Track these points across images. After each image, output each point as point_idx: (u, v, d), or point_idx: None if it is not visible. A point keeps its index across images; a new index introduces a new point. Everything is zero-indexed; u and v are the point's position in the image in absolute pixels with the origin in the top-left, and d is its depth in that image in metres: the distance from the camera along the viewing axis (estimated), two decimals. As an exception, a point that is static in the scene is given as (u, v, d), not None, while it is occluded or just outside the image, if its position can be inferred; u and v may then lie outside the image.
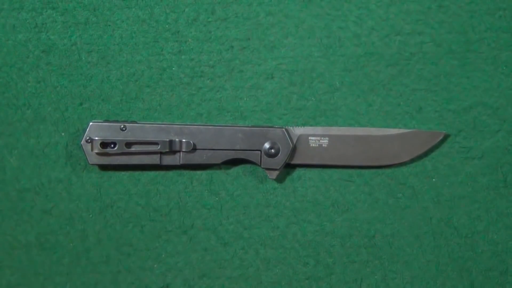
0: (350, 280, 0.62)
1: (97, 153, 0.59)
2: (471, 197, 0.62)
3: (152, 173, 0.62)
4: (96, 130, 0.59)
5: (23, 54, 0.62)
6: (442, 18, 0.62)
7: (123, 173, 0.62)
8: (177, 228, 0.62)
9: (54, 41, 0.62)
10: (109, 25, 0.62)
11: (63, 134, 0.62)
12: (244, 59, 0.62)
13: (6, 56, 0.62)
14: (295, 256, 0.62)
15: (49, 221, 0.62)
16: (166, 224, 0.62)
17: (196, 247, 0.62)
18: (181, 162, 0.60)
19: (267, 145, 0.60)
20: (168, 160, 0.60)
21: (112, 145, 0.60)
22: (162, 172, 0.62)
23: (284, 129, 0.60)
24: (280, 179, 0.62)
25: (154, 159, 0.60)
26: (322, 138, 0.61)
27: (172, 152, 0.60)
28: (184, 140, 0.60)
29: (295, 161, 0.61)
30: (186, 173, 0.62)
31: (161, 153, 0.60)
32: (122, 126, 0.59)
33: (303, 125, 0.62)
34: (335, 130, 0.61)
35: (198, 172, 0.62)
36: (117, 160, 0.60)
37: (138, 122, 0.60)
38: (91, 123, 0.59)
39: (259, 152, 0.60)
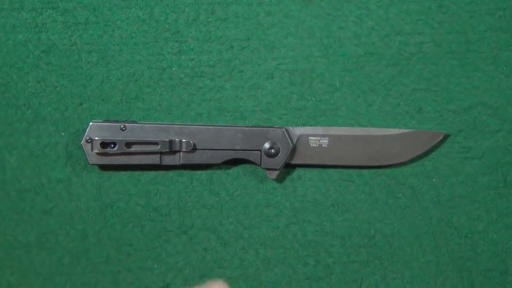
0: (350, 280, 0.62)
1: (97, 153, 0.59)
2: (471, 197, 0.62)
3: (152, 173, 0.62)
4: (96, 130, 0.59)
5: (23, 54, 0.62)
6: (442, 18, 0.62)
7: (123, 173, 0.62)
8: (177, 228, 0.62)
9: (54, 41, 0.62)
10: (109, 25, 0.62)
11: (63, 134, 0.62)
12: (244, 59, 0.62)
13: (6, 56, 0.62)
14: (295, 256, 0.62)
15: (49, 221, 0.62)
16: (166, 224, 0.62)
17: (196, 247, 0.62)
18: (181, 162, 0.60)
19: (267, 145, 0.60)
20: (168, 160, 0.60)
21: (112, 145, 0.60)
22: (162, 172, 0.62)
23: (284, 129, 0.60)
24: (280, 179, 0.62)
25: (154, 159, 0.60)
26: (322, 138, 0.61)
27: (172, 152, 0.60)
28: (184, 140, 0.60)
29: (295, 161, 0.61)
30: (186, 173, 0.62)
31: (161, 153, 0.60)
32: (122, 126, 0.59)
33: (303, 125, 0.62)
34: (335, 130, 0.61)
35: (198, 172, 0.62)
36: (117, 160, 0.60)
37: (138, 122, 0.60)
38: (91, 123, 0.59)
39: (259, 152, 0.60)
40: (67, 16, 0.62)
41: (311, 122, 0.62)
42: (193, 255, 0.62)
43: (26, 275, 0.62)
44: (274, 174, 0.61)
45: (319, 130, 0.61)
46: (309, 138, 0.61)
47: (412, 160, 0.62)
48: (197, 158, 0.60)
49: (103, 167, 0.62)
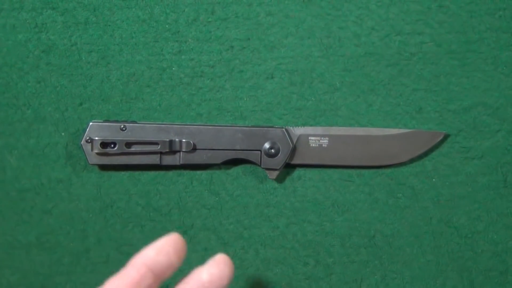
0: (350, 280, 0.62)
1: (97, 153, 0.59)
2: (471, 197, 0.62)
3: (152, 173, 0.62)
4: (96, 130, 0.59)
5: (23, 54, 0.62)
6: (442, 18, 0.62)
7: (123, 173, 0.62)
8: (177, 228, 0.62)
9: (54, 41, 0.62)
10: (109, 25, 0.62)
11: (63, 134, 0.62)
12: (244, 59, 0.62)
13: (6, 56, 0.62)
14: (295, 256, 0.62)
15: (49, 221, 0.62)
16: (166, 224, 0.62)
17: (196, 247, 0.62)
18: (181, 162, 0.60)
19: (267, 145, 0.60)
20: (168, 160, 0.60)
21: (112, 145, 0.60)
22: (162, 172, 0.62)
23: (284, 129, 0.60)
24: (280, 179, 0.62)
25: (154, 159, 0.60)
26: (322, 138, 0.61)
27: (172, 152, 0.60)
28: (184, 140, 0.60)
29: (295, 161, 0.61)
30: (186, 173, 0.62)
31: (161, 153, 0.60)
32: (122, 126, 0.59)
33: (303, 125, 0.62)
34: (335, 130, 0.61)
35: (198, 172, 0.62)
36: (117, 160, 0.60)
37: (138, 122, 0.60)
38: (91, 123, 0.59)
39: (259, 152, 0.60)
40: (67, 16, 0.62)
41: (311, 122, 0.62)
42: (193, 255, 0.62)
43: (26, 275, 0.62)
44: (274, 174, 0.61)
45: (319, 130, 0.61)
46: (309, 138, 0.61)
47: (412, 160, 0.62)
48: (197, 158, 0.60)
49: (103, 167, 0.62)
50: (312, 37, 0.62)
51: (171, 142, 0.60)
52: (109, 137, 0.59)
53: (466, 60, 0.62)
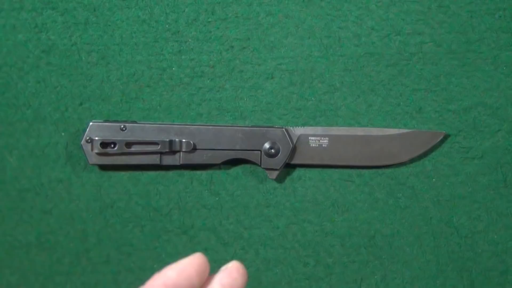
0: (350, 280, 0.62)
1: (97, 153, 0.59)
2: (471, 197, 0.62)
3: (152, 173, 0.62)
4: (96, 130, 0.59)
5: (23, 54, 0.62)
6: (442, 18, 0.62)
7: (123, 173, 0.62)
8: (177, 228, 0.62)
9: (54, 41, 0.62)
10: (109, 25, 0.62)
11: (63, 134, 0.62)
12: (244, 59, 0.62)
13: (6, 56, 0.62)
14: (295, 256, 0.62)
15: (49, 221, 0.62)
16: (166, 224, 0.62)
17: (196, 247, 0.62)
18: (181, 162, 0.60)
19: (267, 145, 0.60)
20: (168, 160, 0.60)
21: (112, 145, 0.60)
22: (162, 172, 0.62)
23: (284, 129, 0.60)
24: (280, 179, 0.62)
25: (154, 159, 0.60)
26: (322, 138, 0.61)
27: (172, 152, 0.60)
28: (184, 140, 0.60)
29: (295, 161, 0.61)
30: (186, 173, 0.62)
31: (161, 153, 0.60)
32: (122, 126, 0.59)
33: (303, 125, 0.62)
34: (335, 130, 0.61)
35: (198, 172, 0.62)
36: (117, 160, 0.60)
37: (138, 122, 0.60)
38: (91, 123, 0.59)
39: (259, 152, 0.60)
40: (67, 16, 0.63)
41: (311, 122, 0.62)
42: (193, 255, 0.62)
43: (26, 275, 0.62)
44: (274, 174, 0.61)
45: (319, 130, 0.61)
46: (309, 138, 0.61)
47: (412, 160, 0.62)
48: (197, 158, 0.60)
49: (103, 167, 0.62)
50: (312, 37, 0.62)
51: (171, 142, 0.60)
52: (109, 137, 0.59)
53: (466, 60, 0.62)
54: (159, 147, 0.59)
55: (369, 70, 0.62)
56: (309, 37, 0.62)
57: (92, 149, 0.59)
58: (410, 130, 0.61)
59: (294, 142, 0.61)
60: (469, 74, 0.62)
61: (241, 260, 0.62)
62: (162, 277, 0.36)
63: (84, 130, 0.60)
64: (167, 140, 0.59)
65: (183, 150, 0.60)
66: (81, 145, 0.59)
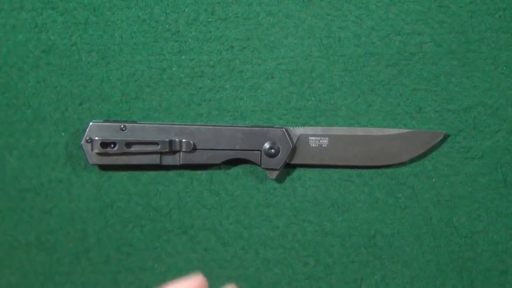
0: (350, 280, 0.62)
1: (97, 153, 0.59)
2: (471, 197, 0.62)
3: (152, 173, 0.62)
4: (96, 130, 0.59)
5: (23, 54, 0.62)
6: (442, 18, 0.62)
7: (123, 173, 0.62)
8: (177, 228, 0.62)
9: (54, 41, 0.62)
10: (109, 25, 0.62)
11: (63, 134, 0.62)
12: (244, 59, 0.62)
13: (6, 56, 0.62)
14: (295, 256, 0.62)
15: (49, 221, 0.62)
16: (166, 224, 0.62)
17: (196, 247, 0.62)
18: (181, 162, 0.60)
19: (267, 145, 0.60)
20: (168, 160, 0.60)
21: (112, 145, 0.60)
22: (162, 172, 0.62)
23: (284, 129, 0.60)
24: (280, 179, 0.62)
25: (154, 159, 0.60)
26: (322, 138, 0.61)
27: (172, 152, 0.60)
28: (184, 140, 0.60)
29: (295, 161, 0.61)
30: (186, 173, 0.62)
31: (161, 153, 0.60)
32: (122, 126, 0.59)
33: (303, 125, 0.62)
34: (335, 130, 0.61)
35: (198, 172, 0.62)
36: (117, 160, 0.60)
37: (138, 122, 0.60)
38: (91, 123, 0.59)
39: (259, 152, 0.60)
40: (67, 16, 0.63)
41: (311, 122, 0.62)
42: (193, 255, 0.62)
43: (26, 275, 0.62)
44: (274, 174, 0.61)
45: (319, 130, 0.61)
46: (309, 138, 0.61)
47: (412, 160, 0.62)
48: (197, 158, 0.60)
49: (103, 167, 0.62)
50: (312, 37, 0.62)
51: (171, 142, 0.60)
52: (109, 137, 0.59)
53: (466, 60, 0.62)
54: (159, 147, 0.59)
55: (369, 70, 0.62)
56: (309, 37, 0.62)
57: (92, 149, 0.59)
58: (410, 130, 0.61)
59: (294, 142, 0.61)
60: (469, 74, 0.62)
61: (241, 260, 0.62)
62: None
63: (84, 130, 0.60)
64: (167, 140, 0.59)
65: (183, 150, 0.60)
66: (81, 145, 0.59)
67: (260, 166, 0.60)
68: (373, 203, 0.62)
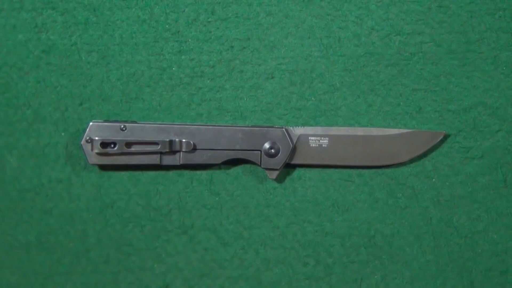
0: (350, 280, 0.62)
1: (97, 153, 0.59)
2: (471, 197, 0.62)
3: (152, 173, 0.62)
4: (96, 130, 0.59)
5: (23, 54, 0.62)
6: (442, 18, 0.62)
7: (123, 173, 0.62)
8: (177, 228, 0.62)
9: (54, 41, 0.62)
10: (109, 25, 0.62)
11: (63, 134, 0.62)
12: (244, 59, 0.62)
13: (6, 56, 0.62)
14: (295, 256, 0.62)
15: (49, 221, 0.62)
16: (166, 224, 0.62)
17: (196, 247, 0.62)
18: (181, 162, 0.60)
19: (267, 145, 0.60)
20: (168, 160, 0.60)
21: (112, 145, 0.60)
22: (162, 172, 0.62)
23: (284, 129, 0.60)
24: (280, 179, 0.62)
25: (154, 159, 0.60)
26: (322, 138, 0.61)
27: (172, 152, 0.60)
28: (184, 140, 0.60)
29: (295, 161, 0.61)
30: (186, 173, 0.62)
31: (161, 153, 0.60)
32: (122, 126, 0.59)
33: (303, 125, 0.62)
34: (335, 130, 0.61)
35: (198, 172, 0.62)
36: (117, 160, 0.60)
37: (138, 122, 0.60)
38: (91, 123, 0.59)
39: (259, 152, 0.60)
40: (67, 16, 0.62)
41: (311, 122, 0.62)
42: (193, 255, 0.62)
43: (26, 275, 0.62)
44: (274, 174, 0.61)
45: (319, 130, 0.61)
46: (309, 138, 0.61)
47: (412, 160, 0.62)
48: (197, 158, 0.60)
49: (103, 167, 0.62)
50: (312, 37, 0.62)
51: (171, 142, 0.60)
52: (109, 137, 0.59)
53: (466, 60, 0.62)
54: (159, 147, 0.59)
55: (369, 70, 0.62)
56: (309, 37, 0.62)
57: (92, 149, 0.59)
58: (410, 130, 0.61)
59: (294, 142, 0.61)
60: (469, 74, 0.62)
61: (241, 260, 0.62)
62: None
63: (84, 130, 0.60)
64: (167, 140, 0.59)
65: (183, 150, 0.60)
66: (81, 145, 0.59)
67: (260, 166, 0.60)
68: (373, 203, 0.62)
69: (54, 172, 0.62)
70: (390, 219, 0.62)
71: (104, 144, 0.59)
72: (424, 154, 0.62)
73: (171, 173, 0.62)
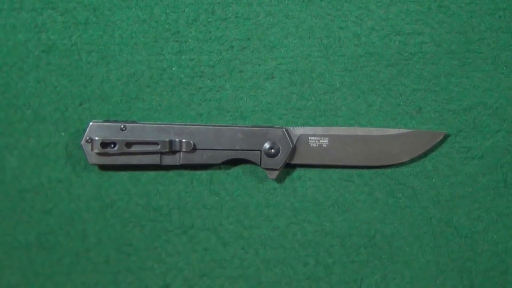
0: (350, 280, 0.62)
1: (97, 153, 0.59)
2: (471, 197, 0.62)
3: (152, 173, 0.62)
4: (96, 130, 0.59)
5: (23, 54, 0.62)
6: (442, 18, 0.62)
7: (123, 173, 0.62)
8: (177, 228, 0.62)
9: (54, 41, 0.62)
10: (109, 25, 0.62)
11: (63, 134, 0.62)
12: (244, 59, 0.62)
13: (6, 56, 0.62)
14: (295, 256, 0.62)
15: (49, 221, 0.62)
16: (166, 224, 0.62)
17: (196, 247, 0.62)
18: (181, 162, 0.60)
19: (267, 145, 0.60)
20: (168, 160, 0.60)
21: (112, 145, 0.60)
22: (162, 172, 0.62)
23: (284, 129, 0.60)
24: (280, 179, 0.62)
25: (154, 159, 0.60)
26: (322, 138, 0.61)
27: (172, 152, 0.60)
28: (184, 140, 0.60)
29: (295, 161, 0.61)
30: (186, 173, 0.62)
31: (161, 153, 0.60)
32: (122, 126, 0.59)
33: (303, 125, 0.62)
34: (335, 130, 0.61)
35: (198, 172, 0.62)
36: (117, 160, 0.60)
37: (138, 122, 0.60)
38: (91, 123, 0.59)
39: (259, 152, 0.60)
40: (67, 16, 0.63)
41: (311, 122, 0.62)
42: (193, 255, 0.62)
43: (26, 275, 0.62)
44: (274, 174, 0.61)
45: (319, 130, 0.61)
46: (309, 138, 0.61)
47: (412, 160, 0.62)
48: (197, 158, 0.60)
49: (103, 167, 0.62)
50: (312, 37, 0.62)
51: (171, 142, 0.60)
52: (109, 137, 0.59)
53: (466, 60, 0.62)
54: (159, 147, 0.59)
55: (369, 70, 0.62)
56: (309, 37, 0.62)
57: (92, 149, 0.59)
58: (410, 130, 0.61)
59: (294, 142, 0.61)
60: (469, 74, 0.62)
61: (241, 260, 0.62)
62: None
63: (84, 130, 0.60)
64: (167, 140, 0.59)
65: (183, 150, 0.60)
66: (81, 145, 0.59)
67: (260, 166, 0.60)
68: (373, 203, 0.62)
69: (54, 172, 0.62)
70: (390, 219, 0.62)
71: (104, 144, 0.59)
72: (424, 154, 0.62)
73: (171, 173, 0.62)
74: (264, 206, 0.62)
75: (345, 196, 0.62)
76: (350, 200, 0.62)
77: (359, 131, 0.61)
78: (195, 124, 0.61)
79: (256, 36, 0.63)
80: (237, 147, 0.60)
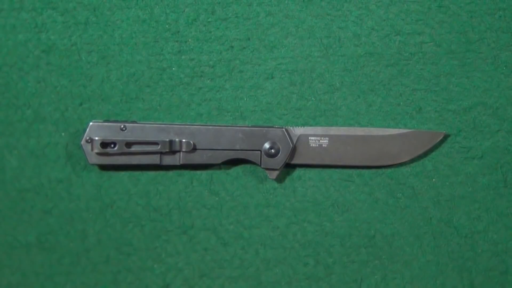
0: (350, 280, 0.62)
1: (97, 153, 0.59)
2: (471, 197, 0.62)
3: (152, 173, 0.62)
4: (96, 130, 0.59)
5: (23, 54, 0.62)
6: (442, 18, 0.62)
7: (123, 173, 0.62)
8: (177, 228, 0.62)
9: (54, 41, 0.62)
10: (109, 25, 0.62)
11: (63, 134, 0.62)
12: (244, 59, 0.62)
13: (6, 56, 0.62)
14: (295, 256, 0.62)
15: (49, 221, 0.62)
16: (166, 224, 0.62)
17: (196, 247, 0.62)
18: (181, 162, 0.60)
19: (267, 145, 0.60)
20: (168, 160, 0.60)
21: (112, 145, 0.60)
22: (162, 172, 0.62)
23: (284, 129, 0.60)
24: (280, 179, 0.62)
25: (154, 159, 0.60)
26: (322, 138, 0.61)
27: (172, 152, 0.60)
28: (184, 140, 0.60)
29: (295, 161, 0.61)
30: (186, 173, 0.62)
31: (161, 153, 0.60)
32: (122, 126, 0.59)
33: (303, 125, 0.62)
34: (335, 130, 0.61)
35: (198, 172, 0.62)
36: (117, 160, 0.60)
37: (138, 122, 0.60)
38: (91, 123, 0.59)
39: (259, 152, 0.60)
40: (67, 16, 0.63)
41: (311, 122, 0.62)
42: (193, 255, 0.62)
43: (26, 275, 0.62)
44: (274, 174, 0.61)
45: (319, 130, 0.61)
46: (309, 138, 0.61)
47: (412, 160, 0.62)
48: (197, 158, 0.60)
49: (103, 167, 0.62)
50: (312, 37, 0.62)
51: (171, 142, 0.60)
52: (109, 137, 0.59)
53: (466, 60, 0.62)
54: (159, 147, 0.59)
55: (369, 70, 0.62)
56: (309, 37, 0.62)
57: (92, 149, 0.59)
58: (410, 130, 0.61)
59: (294, 142, 0.61)
60: (469, 74, 0.62)
61: (241, 260, 0.62)
62: None
63: (84, 130, 0.60)
64: (167, 140, 0.59)
65: (183, 150, 0.60)
66: (81, 145, 0.59)
67: (260, 166, 0.60)
68: (373, 203, 0.62)
69: (54, 172, 0.62)
70: (390, 219, 0.62)
71: (104, 144, 0.59)
72: (424, 154, 0.62)
73: (171, 173, 0.62)
74: (264, 206, 0.62)
75: (345, 196, 0.62)
76: (350, 200, 0.62)
77: (359, 131, 0.61)
78: (195, 124, 0.61)
79: (256, 36, 0.63)
80: (237, 147, 0.60)
